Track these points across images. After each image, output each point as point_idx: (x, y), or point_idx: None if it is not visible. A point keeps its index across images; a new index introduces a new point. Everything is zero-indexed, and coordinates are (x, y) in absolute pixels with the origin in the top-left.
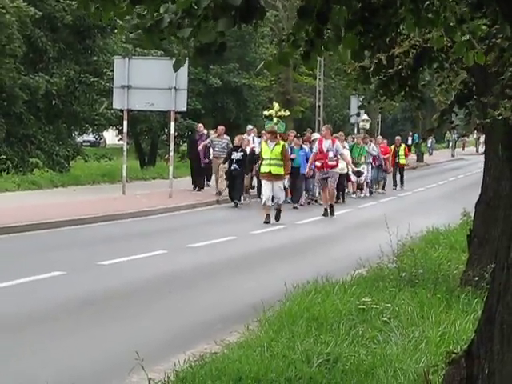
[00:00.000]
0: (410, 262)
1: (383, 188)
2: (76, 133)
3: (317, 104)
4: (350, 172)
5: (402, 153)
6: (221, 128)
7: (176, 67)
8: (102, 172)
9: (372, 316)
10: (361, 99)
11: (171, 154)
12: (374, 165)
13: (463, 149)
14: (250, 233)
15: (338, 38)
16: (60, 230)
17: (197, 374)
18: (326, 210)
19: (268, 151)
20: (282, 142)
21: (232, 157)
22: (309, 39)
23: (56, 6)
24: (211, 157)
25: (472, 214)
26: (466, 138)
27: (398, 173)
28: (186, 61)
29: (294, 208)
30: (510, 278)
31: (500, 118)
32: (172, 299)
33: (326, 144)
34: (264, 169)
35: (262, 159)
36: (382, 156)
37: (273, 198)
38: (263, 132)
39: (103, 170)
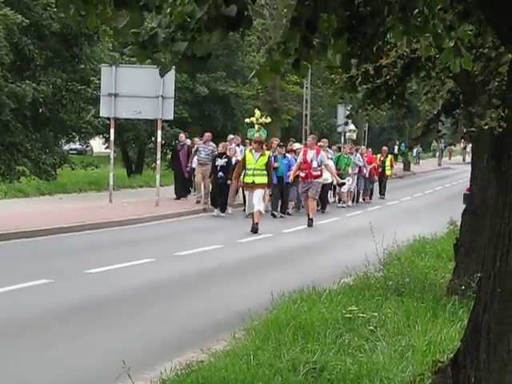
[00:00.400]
0: (397, 270)
1: (370, 197)
2: (63, 141)
3: (304, 113)
4: (335, 183)
5: (388, 163)
6: (207, 135)
7: (162, 73)
8: (89, 180)
9: (358, 325)
10: (348, 108)
11: (158, 162)
12: (360, 174)
13: (450, 158)
14: (237, 241)
15: (323, 46)
16: (47, 238)
17: (183, 382)
18: (311, 220)
19: (252, 161)
20: (267, 153)
21: (216, 163)
22: (299, 47)
23: (43, 14)
24: (194, 165)
25: (459, 223)
26: (452, 147)
27: (382, 183)
28: (173, 69)
29: (281, 217)
30: (497, 286)
31: (486, 127)
32: (159, 307)
33: (311, 154)
34: (247, 179)
35: (245, 169)
36: (367, 166)
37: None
38: (247, 141)
39: (90, 178)
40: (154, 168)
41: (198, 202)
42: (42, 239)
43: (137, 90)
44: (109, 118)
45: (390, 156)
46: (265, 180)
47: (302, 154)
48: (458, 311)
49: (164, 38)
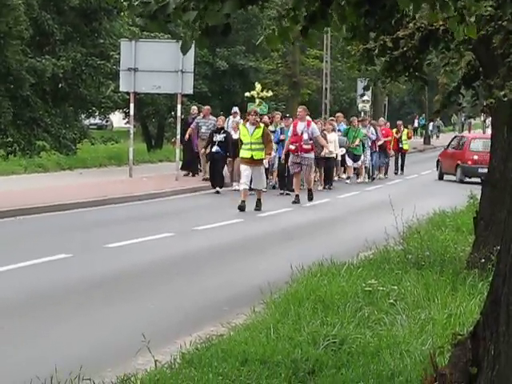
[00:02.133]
0: (417, 244)
1: (385, 173)
2: (83, 116)
3: (323, 87)
4: (345, 156)
5: (404, 137)
6: (207, 108)
7: (184, 50)
8: (109, 155)
9: (378, 298)
10: (365, 81)
11: (178, 136)
12: (374, 149)
13: (469, 131)
14: (258, 215)
15: (342, 17)
16: (67, 212)
17: (203, 355)
18: (297, 196)
19: (247, 135)
20: (262, 125)
21: (214, 139)
22: (308, 15)
23: None
24: (198, 139)
25: (479, 196)
26: (472, 120)
27: (399, 158)
28: (193, 43)
29: (287, 194)
30: None
31: (505, 99)
32: (179, 281)
33: (301, 126)
34: (245, 154)
35: (242, 143)
36: (381, 139)
37: (251, 186)
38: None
39: (110, 152)
40: (173, 143)
41: (204, 179)
42: (62, 214)
43: (156, 65)
44: (128, 93)
45: (405, 130)
46: (263, 155)
47: (291, 126)
48: (477, 284)
49: (175, 8)
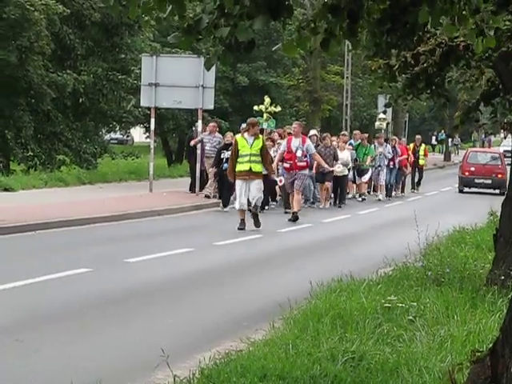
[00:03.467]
0: (436, 260)
1: (402, 191)
2: (103, 130)
3: (344, 103)
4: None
5: (421, 153)
6: (212, 125)
7: (208, 66)
8: (129, 170)
9: (397, 314)
10: (387, 97)
11: (198, 151)
12: (392, 166)
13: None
14: (276, 231)
15: (373, 34)
16: (86, 227)
17: (222, 371)
18: (294, 213)
19: (246, 147)
20: (261, 136)
21: (222, 156)
22: (328, 27)
23: (84, 4)
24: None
25: (499, 213)
26: (492, 137)
27: (416, 174)
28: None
29: (285, 213)
30: None
31: None
32: (198, 297)
33: (296, 143)
34: (242, 167)
35: (238, 156)
36: (398, 157)
37: (249, 202)
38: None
39: (130, 167)
40: None
41: (206, 196)
42: (82, 228)
43: (177, 80)
44: (149, 108)
45: (423, 145)
46: (261, 168)
47: (285, 142)
48: (497, 301)
49: (207, 24)
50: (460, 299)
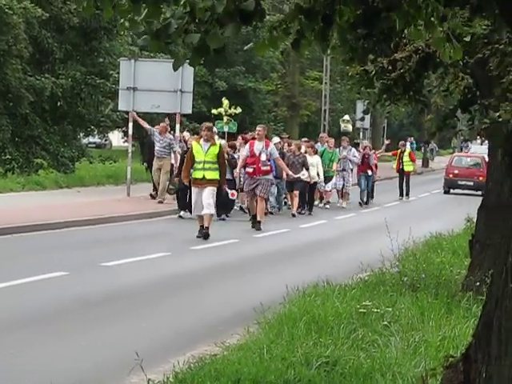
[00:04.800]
0: (412, 266)
1: (371, 198)
2: (81, 134)
3: (322, 108)
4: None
5: (406, 158)
6: (163, 125)
7: (175, 66)
8: (107, 174)
9: (372, 320)
10: (365, 103)
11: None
12: (370, 173)
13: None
14: (253, 236)
15: (343, 39)
16: (64, 230)
17: (196, 375)
18: (254, 216)
19: (201, 153)
20: (218, 143)
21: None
22: (300, 29)
23: (62, 8)
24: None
25: (475, 220)
26: (469, 143)
27: (403, 181)
28: (187, 62)
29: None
30: (509, 282)
31: (500, 119)
32: (174, 301)
33: (259, 146)
34: (196, 174)
35: (194, 163)
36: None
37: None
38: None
39: (108, 171)
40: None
41: (160, 202)
42: (59, 232)
43: (155, 84)
44: (127, 112)
45: (407, 150)
46: (217, 175)
47: (248, 146)
48: (472, 307)
49: (176, 29)
50: (435, 305)
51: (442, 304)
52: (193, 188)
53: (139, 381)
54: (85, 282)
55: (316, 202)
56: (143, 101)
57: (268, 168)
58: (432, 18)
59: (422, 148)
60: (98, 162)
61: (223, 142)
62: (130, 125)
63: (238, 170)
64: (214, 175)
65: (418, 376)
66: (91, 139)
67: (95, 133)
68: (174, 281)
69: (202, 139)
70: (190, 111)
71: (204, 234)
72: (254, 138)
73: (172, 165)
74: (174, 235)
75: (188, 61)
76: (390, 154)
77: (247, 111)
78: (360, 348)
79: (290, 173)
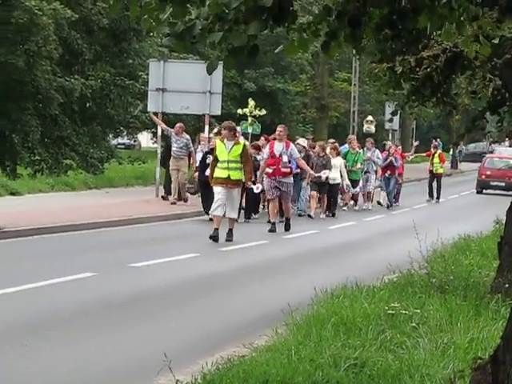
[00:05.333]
0: (441, 268)
1: (397, 200)
2: (111, 135)
3: (351, 110)
4: (346, 182)
5: (436, 160)
6: (178, 126)
7: (209, 70)
8: (136, 175)
9: (401, 321)
10: (393, 105)
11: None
12: (389, 174)
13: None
14: (283, 237)
15: (377, 40)
16: (92, 231)
17: (224, 376)
18: (273, 224)
19: (224, 152)
20: (242, 142)
21: (208, 161)
22: (330, 31)
23: (92, 9)
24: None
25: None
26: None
27: (434, 183)
28: (221, 64)
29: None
30: None
31: None
32: (203, 302)
33: (279, 147)
34: (220, 173)
35: (217, 161)
36: (399, 164)
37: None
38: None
39: (137, 172)
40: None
41: (173, 203)
42: (88, 233)
43: (185, 85)
44: (156, 113)
45: (438, 151)
46: (241, 175)
47: (268, 147)
48: (500, 309)
49: (201, 29)
50: (464, 307)
51: (471, 306)
52: (215, 187)
53: (167, 382)
54: (113, 282)
55: (341, 204)
56: (172, 102)
57: (288, 170)
58: (462, 18)
59: (451, 149)
60: (127, 163)
61: (246, 143)
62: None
63: (259, 174)
64: (238, 175)
65: (446, 378)
66: (120, 140)
67: (124, 134)
68: (203, 282)
69: (225, 138)
70: (218, 112)
71: (228, 236)
72: (274, 139)
73: (189, 165)
74: (202, 236)
75: (221, 63)
76: (424, 154)
77: (276, 112)
78: (388, 350)
79: (312, 172)
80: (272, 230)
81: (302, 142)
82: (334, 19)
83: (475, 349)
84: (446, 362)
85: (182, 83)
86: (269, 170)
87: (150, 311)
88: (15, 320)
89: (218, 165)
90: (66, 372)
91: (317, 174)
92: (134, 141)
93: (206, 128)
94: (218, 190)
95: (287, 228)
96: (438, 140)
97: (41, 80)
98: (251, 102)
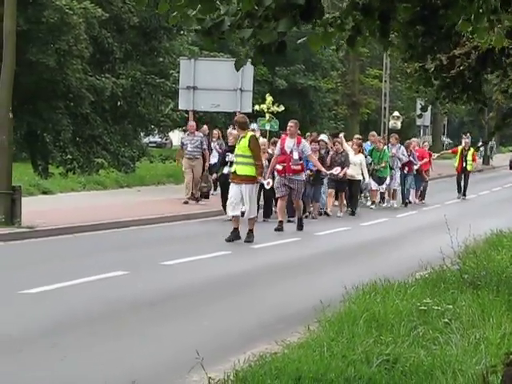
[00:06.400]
0: (473, 263)
1: (422, 198)
2: (142, 134)
3: (383, 106)
4: (367, 180)
5: (469, 158)
6: (191, 125)
7: (237, 66)
8: (167, 173)
9: (433, 317)
10: (423, 100)
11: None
12: (408, 171)
13: None
14: (314, 234)
15: (404, 35)
16: (124, 230)
17: (256, 373)
18: (280, 222)
19: (236, 146)
20: (249, 133)
21: (227, 159)
22: (356, 25)
23: (122, 8)
24: (183, 158)
25: None
26: None
27: (462, 180)
28: (249, 61)
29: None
30: None
31: None
32: (234, 299)
33: (290, 143)
34: (233, 168)
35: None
36: (416, 161)
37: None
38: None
39: (168, 170)
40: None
41: (185, 202)
42: (119, 231)
43: (215, 83)
44: (187, 111)
45: (471, 149)
46: (249, 171)
47: (279, 143)
48: None
49: (230, 26)
50: (496, 302)
51: (503, 301)
52: (231, 184)
53: (200, 379)
54: (145, 280)
55: (369, 203)
56: (203, 100)
57: (299, 167)
58: (481, 10)
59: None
60: (159, 162)
61: (263, 140)
62: None
63: (269, 170)
64: (245, 170)
65: (478, 373)
66: (152, 138)
67: (155, 132)
68: (235, 279)
69: (240, 133)
70: (249, 110)
71: (248, 237)
72: (286, 134)
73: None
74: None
75: (250, 60)
76: (449, 151)
77: (307, 109)
78: (420, 345)
79: (324, 170)
80: (279, 229)
81: (324, 137)
82: (360, 14)
83: (508, 344)
84: (479, 357)
85: (213, 81)
86: (279, 167)
87: (182, 309)
88: (48, 319)
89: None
90: (98, 370)
91: (328, 172)
92: (166, 139)
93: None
94: (231, 188)
95: (300, 228)
96: (468, 135)
97: (72, 79)
98: (268, 98)
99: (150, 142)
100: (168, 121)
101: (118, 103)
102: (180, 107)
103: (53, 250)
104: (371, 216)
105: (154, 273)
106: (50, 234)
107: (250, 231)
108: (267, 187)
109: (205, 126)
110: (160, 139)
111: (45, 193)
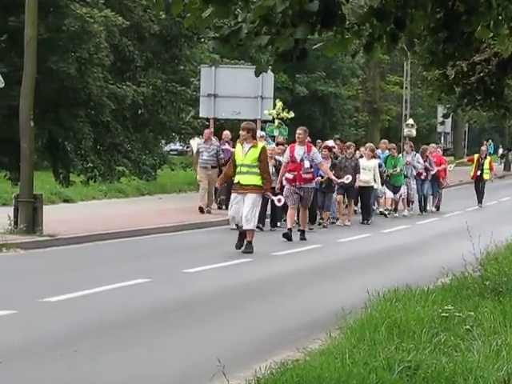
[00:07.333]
0: (495, 270)
1: (437, 209)
2: (163, 141)
3: (403, 113)
4: (380, 188)
5: (486, 166)
6: (207, 132)
7: (257, 73)
8: (189, 180)
9: (454, 324)
10: (446, 107)
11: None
12: (424, 178)
13: None
14: (336, 241)
15: (411, 43)
16: (146, 237)
17: (278, 380)
18: (289, 230)
19: (240, 155)
20: (260, 144)
21: None
22: (372, 32)
23: (143, 16)
24: (198, 166)
25: None
26: None
27: (480, 188)
28: (269, 69)
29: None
30: None
31: None
32: (256, 306)
33: (300, 151)
34: (235, 179)
35: (235, 165)
36: (433, 167)
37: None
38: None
39: (190, 178)
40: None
41: (200, 209)
42: (141, 239)
43: (236, 91)
44: (208, 119)
45: (489, 157)
46: (257, 180)
47: (288, 150)
48: None
49: (247, 33)
50: None
51: None
52: (232, 194)
53: None
54: (166, 288)
55: (380, 210)
56: (224, 107)
57: (310, 176)
58: (500, 17)
59: (499, 151)
60: (180, 169)
61: (272, 146)
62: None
63: (278, 180)
64: (251, 180)
65: (500, 380)
66: (173, 146)
67: (177, 140)
68: (256, 286)
69: (245, 141)
70: (270, 117)
71: (246, 248)
72: (294, 142)
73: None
74: (255, 241)
75: (270, 67)
76: (465, 159)
77: (328, 116)
78: (442, 352)
79: (334, 178)
80: (287, 236)
81: (331, 143)
82: (377, 19)
83: None
84: (500, 363)
85: (234, 88)
86: (289, 176)
87: (204, 316)
88: (69, 326)
89: (237, 169)
90: (119, 379)
91: (339, 181)
92: (187, 147)
93: (258, 133)
94: (231, 197)
95: (303, 238)
96: (490, 141)
97: (93, 87)
98: (278, 104)
99: (171, 150)
100: (189, 128)
101: (139, 111)
102: (201, 115)
103: (74, 258)
104: (391, 223)
105: (175, 280)
106: (71, 242)
107: (249, 243)
108: (279, 204)
109: (226, 132)
110: (181, 147)
111: (66, 201)
